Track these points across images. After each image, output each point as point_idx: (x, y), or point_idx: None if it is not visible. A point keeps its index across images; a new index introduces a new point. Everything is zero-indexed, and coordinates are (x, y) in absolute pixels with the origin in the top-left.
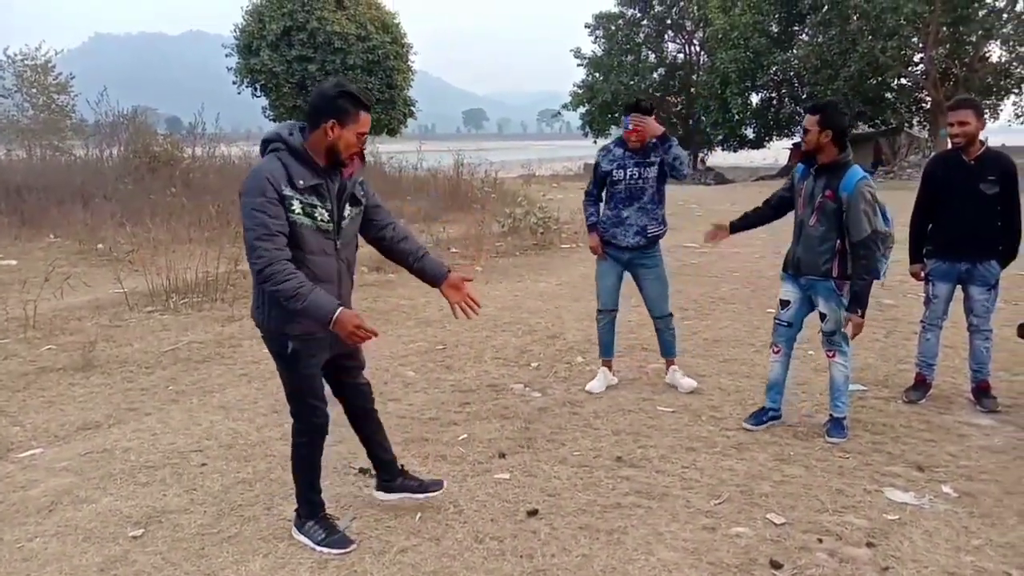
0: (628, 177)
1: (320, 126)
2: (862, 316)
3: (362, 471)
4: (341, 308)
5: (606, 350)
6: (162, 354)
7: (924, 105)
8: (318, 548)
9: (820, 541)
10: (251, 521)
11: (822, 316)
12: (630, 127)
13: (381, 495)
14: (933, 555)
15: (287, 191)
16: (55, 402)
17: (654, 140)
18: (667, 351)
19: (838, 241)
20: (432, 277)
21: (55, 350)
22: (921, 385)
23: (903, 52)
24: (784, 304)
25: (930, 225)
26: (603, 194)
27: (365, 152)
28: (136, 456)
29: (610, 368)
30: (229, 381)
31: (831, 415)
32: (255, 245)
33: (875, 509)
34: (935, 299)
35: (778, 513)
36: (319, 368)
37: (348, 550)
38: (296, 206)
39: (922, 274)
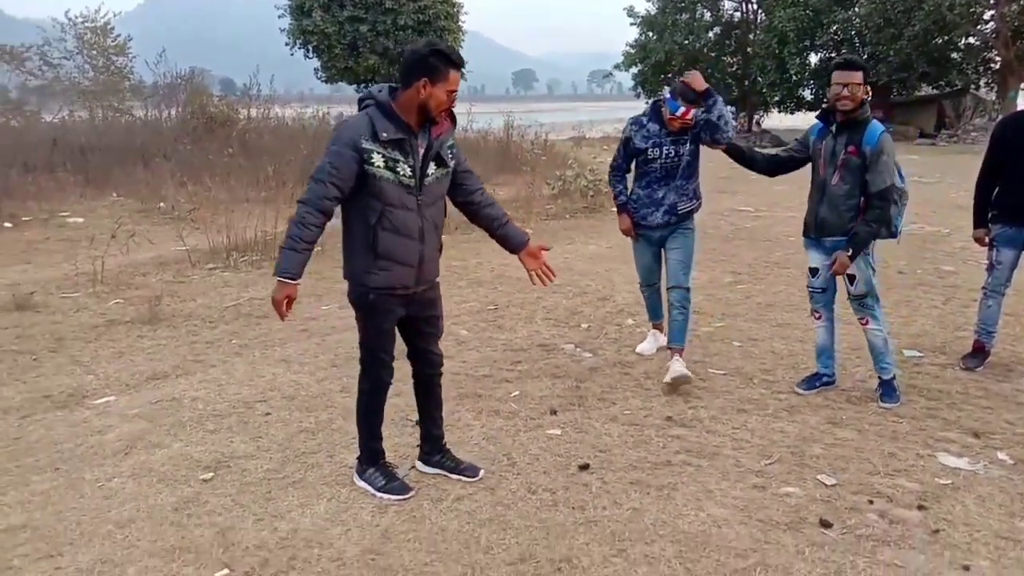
0: (664, 156)
1: (412, 84)
2: (852, 258)
3: (418, 424)
4: (288, 279)
5: (654, 314)
6: (224, 309)
7: (993, 65)
8: (378, 494)
9: (871, 502)
10: (314, 468)
11: (850, 278)
12: (678, 112)
13: (420, 465)
14: (986, 520)
15: (367, 144)
16: (125, 353)
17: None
18: (674, 337)
19: (861, 199)
20: (514, 244)
21: (123, 304)
22: (980, 352)
23: (972, 9)
24: (814, 272)
25: (996, 189)
26: (631, 167)
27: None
28: (204, 405)
29: (660, 330)
30: (290, 336)
31: (880, 378)
32: (309, 182)
33: (928, 473)
34: (999, 265)
35: (829, 475)
36: (393, 324)
37: (407, 496)
38: (376, 159)
39: (986, 239)
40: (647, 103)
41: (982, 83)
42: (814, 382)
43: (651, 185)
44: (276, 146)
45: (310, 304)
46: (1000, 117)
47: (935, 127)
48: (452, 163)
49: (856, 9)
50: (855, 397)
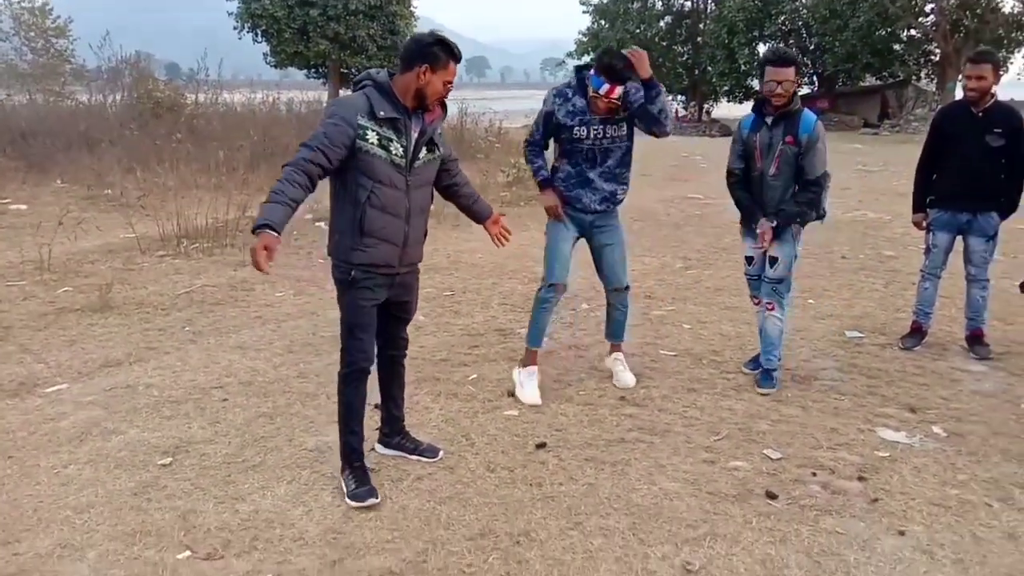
0: (593, 136)
1: (413, 69)
2: (775, 229)
3: (376, 407)
4: (270, 228)
5: (539, 335)
6: (177, 296)
7: (933, 57)
8: (347, 499)
9: (814, 475)
10: (274, 451)
11: (772, 260)
12: (601, 90)
13: (379, 448)
14: (920, 488)
15: (363, 120)
16: (76, 341)
17: (632, 91)
18: (616, 333)
19: (796, 186)
20: (483, 216)
21: (72, 292)
22: (917, 332)
23: (914, 2)
24: (749, 260)
25: (934, 176)
26: (551, 143)
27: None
28: (159, 391)
29: (535, 362)
30: (244, 323)
31: (763, 367)
32: (299, 148)
33: (867, 447)
34: (935, 248)
35: (774, 449)
36: (373, 305)
37: (365, 503)
38: (371, 136)
39: (924, 224)
40: (572, 74)
41: (923, 74)
42: (759, 362)
43: (580, 165)
44: (225, 132)
45: (264, 291)
46: (939, 107)
47: (878, 117)
48: (442, 150)
49: (803, 0)
50: (799, 376)
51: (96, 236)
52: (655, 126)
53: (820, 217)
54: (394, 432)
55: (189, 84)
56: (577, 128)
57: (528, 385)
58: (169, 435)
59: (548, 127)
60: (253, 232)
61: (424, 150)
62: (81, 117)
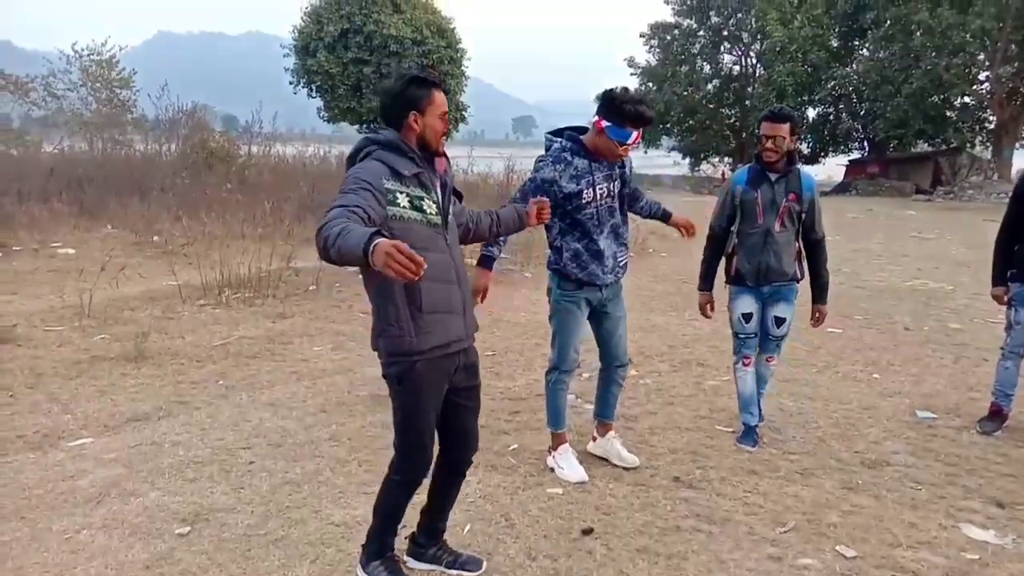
0: (599, 196)
1: (404, 123)
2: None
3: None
4: (380, 235)
5: (561, 419)
6: (213, 348)
7: (988, 125)
8: None
9: None
10: (298, 524)
11: (779, 321)
12: (630, 140)
13: (411, 562)
14: None
15: (390, 184)
16: (106, 392)
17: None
18: (610, 412)
19: (797, 243)
20: (517, 219)
21: (108, 339)
22: (997, 416)
23: (968, 70)
24: (747, 318)
25: (1016, 246)
26: (551, 220)
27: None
28: (185, 451)
29: (566, 440)
30: (279, 378)
31: (749, 425)
32: (327, 213)
33: (953, 547)
34: (1017, 325)
35: (848, 545)
36: (439, 401)
37: None
38: (402, 199)
39: (1005, 298)
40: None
41: (977, 141)
42: (754, 436)
43: (588, 235)
44: (275, 183)
45: (302, 345)
46: (1022, 172)
47: (931, 184)
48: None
49: (854, 66)
50: (869, 460)
51: (139, 283)
52: (634, 206)
53: (802, 276)
54: (431, 544)
55: (243, 135)
56: (585, 191)
57: (567, 464)
58: (190, 500)
59: (550, 197)
60: (366, 254)
61: (452, 203)
62: (136, 165)
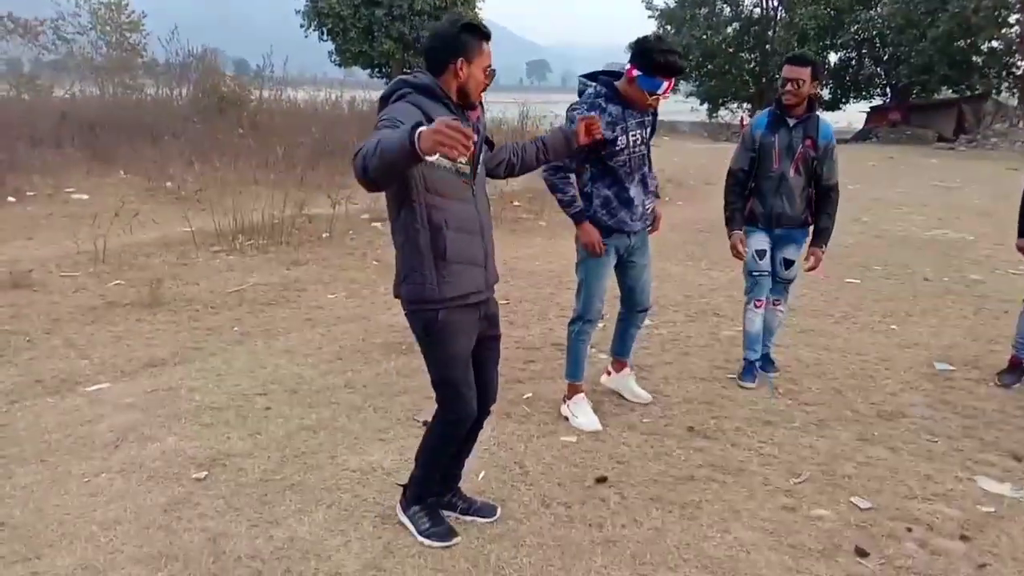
0: (631, 144)
1: (447, 68)
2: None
3: (425, 424)
4: (416, 129)
5: (580, 370)
6: (227, 295)
7: (1015, 71)
8: (419, 537)
9: (909, 530)
10: (315, 469)
11: (788, 263)
12: (661, 90)
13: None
14: None
15: (422, 128)
16: (122, 337)
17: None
18: (626, 351)
19: (810, 190)
20: (565, 144)
21: (123, 285)
22: (1016, 368)
23: (997, 12)
24: (761, 254)
25: None
26: (581, 165)
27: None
28: (201, 396)
29: (581, 390)
30: (294, 325)
31: (766, 353)
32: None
33: (968, 499)
34: None
35: (862, 497)
36: (469, 347)
37: (450, 543)
38: None
39: None
40: (582, 82)
41: (1004, 88)
42: (754, 372)
43: (618, 182)
44: (287, 129)
45: (316, 292)
46: None
47: (954, 131)
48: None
49: (878, 9)
50: (885, 412)
51: (153, 229)
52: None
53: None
54: (446, 490)
55: (255, 80)
56: (620, 138)
57: (582, 413)
58: (207, 445)
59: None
60: (413, 145)
61: (483, 151)
62: (147, 110)
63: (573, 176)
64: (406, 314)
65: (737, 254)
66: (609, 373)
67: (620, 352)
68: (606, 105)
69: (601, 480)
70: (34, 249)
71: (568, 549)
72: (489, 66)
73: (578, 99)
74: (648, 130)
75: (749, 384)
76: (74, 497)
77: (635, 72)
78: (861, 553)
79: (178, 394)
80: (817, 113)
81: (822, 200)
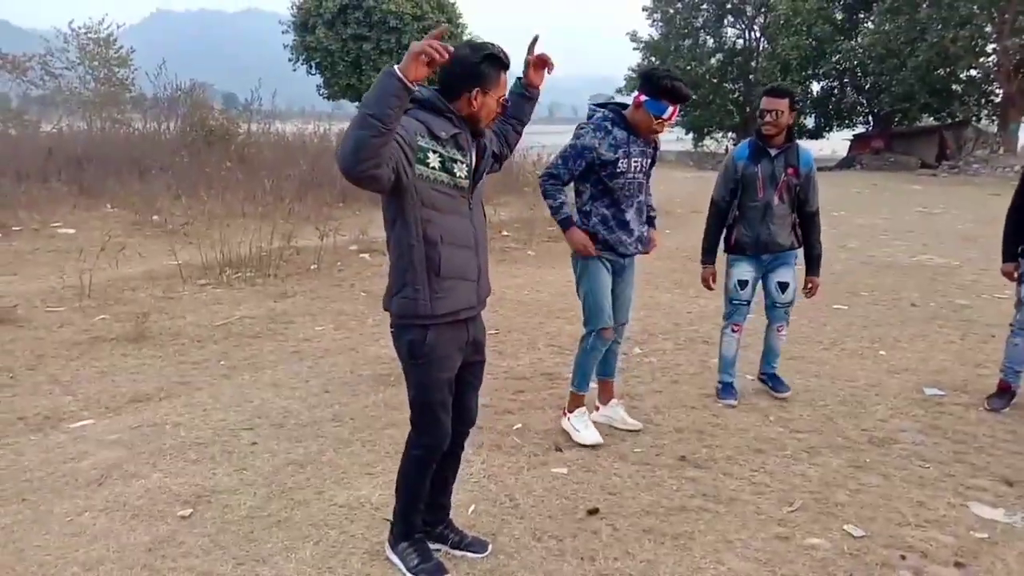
0: (632, 169)
1: (462, 95)
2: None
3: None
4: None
5: (587, 382)
6: (214, 328)
7: (994, 98)
8: (408, 575)
9: (903, 558)
10: (301, 505)
11: (783, 287)
12: (666, 114)
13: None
14: None
15: (423, 142)
16: (107, 372)
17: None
18: (611, 369)
19: (793, 215)
20: (523, 96)
21: (109, 320)
22: (1005, 392)
23: (975, 42)
24: (743, 284)
25: None
26: (582, 184)
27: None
28: (186, 431)
29: (583, 403)
30: (281, 358)
31: (774, 373)
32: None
33: (961, 525)
34: None
35: (856, 524)
36: (453, 371)
37: None
38: (433, 159)
39: (1015, 274)
40: (592, 107)
41: (983, 115)
42: (731, 391)
43: (616, 205)
44: (275, 161)
45: (304, 324)
46: None
47: (936, 158)
48: (502, 152)
49: (859, 39)
50: (876, 438)
51: (139, 263)
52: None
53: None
54: (437, 522)
55: (243, 114)
56: (621, 161)
57: (583, 426)
58: (192, 482)
59: (582, 164)
60: (400, 77)
61: (486, 165)
62: (135, 144)
63: (564, 186)
64: (392, 330)
65: (707, 286)
66: (597, 408)
67: (605, 372)
68: (612, 128)
69: (593, 512)
70: (19, 284)
71: None
72: (503, 96)
73: (587, 121)
74: (649, 161)
75: (731, 401)
76: (56, 537)
77: (643, 98)
78: None
79: (163, 429)
80: (796, 142)
81: (807, 226)
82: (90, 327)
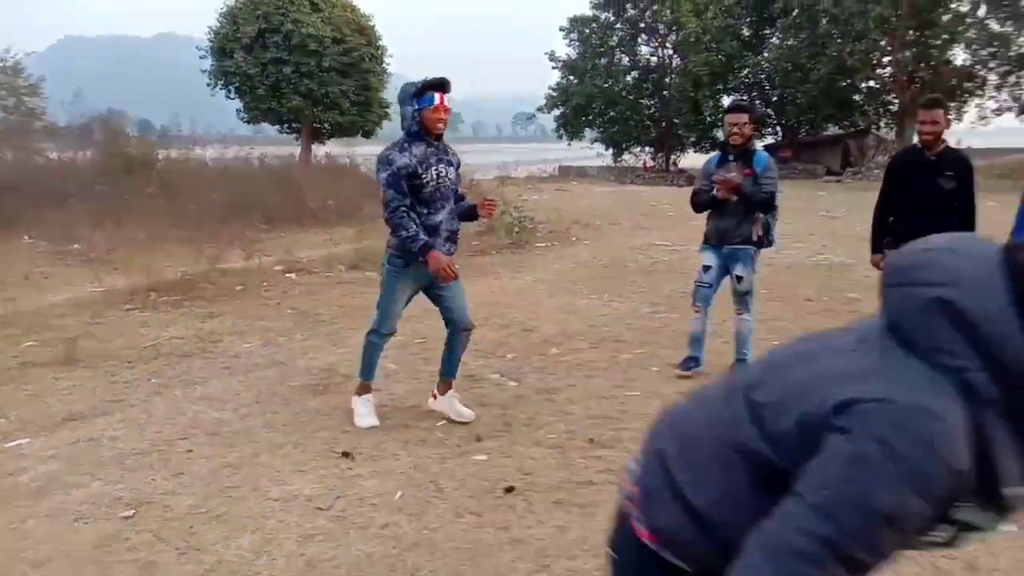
0: (437, 176)
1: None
2: (737, 192)
3: (344, 455)
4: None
5: (373, 371)
6: (144, 349)
7: (891, 107)
8: None
9: None
10: (239, 501)
11: (739, 279)
12: (436, 102)
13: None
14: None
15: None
16: (39, 395)
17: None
18: (454, 370)
19: (757, 213)
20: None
21: (37, 345)
22: None
23: (871, 55)
24: (707, 269)
25: (891, 218)
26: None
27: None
28: (123, 444)
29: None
30: (211, 374)
31: (743, 359)
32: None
33: None
34: None
35: None
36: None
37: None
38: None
39: (882, 264)
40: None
41: (882, 123)
42: (689, 364)
43: (427, 209)
44: (197, 186)
45: (232, 342)
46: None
47: (841, 165)
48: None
49: (765, 54)
50: None
51: (64, 291)
52: None
53: (771, 243)
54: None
55: (161, 139)
56: (423, 171)
57: (366, 410)
58: (132, 487)
59: (409, 183)
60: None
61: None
62: (51, 173)
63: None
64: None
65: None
66: (435, 397)
67: (448, 372)
68: (408, 145)
69: (509, 490)
70: None
71: (479, 550)
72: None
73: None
74: (453, 168)
75: (686, 373)
76: (2, 542)
77: (418, 104)
78: None
79: (100, 443)
80: (755, 148)
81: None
82: (18, 353)
